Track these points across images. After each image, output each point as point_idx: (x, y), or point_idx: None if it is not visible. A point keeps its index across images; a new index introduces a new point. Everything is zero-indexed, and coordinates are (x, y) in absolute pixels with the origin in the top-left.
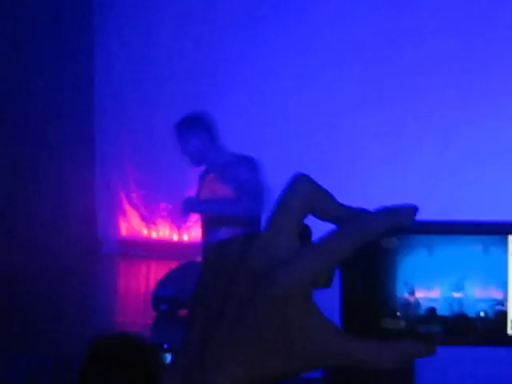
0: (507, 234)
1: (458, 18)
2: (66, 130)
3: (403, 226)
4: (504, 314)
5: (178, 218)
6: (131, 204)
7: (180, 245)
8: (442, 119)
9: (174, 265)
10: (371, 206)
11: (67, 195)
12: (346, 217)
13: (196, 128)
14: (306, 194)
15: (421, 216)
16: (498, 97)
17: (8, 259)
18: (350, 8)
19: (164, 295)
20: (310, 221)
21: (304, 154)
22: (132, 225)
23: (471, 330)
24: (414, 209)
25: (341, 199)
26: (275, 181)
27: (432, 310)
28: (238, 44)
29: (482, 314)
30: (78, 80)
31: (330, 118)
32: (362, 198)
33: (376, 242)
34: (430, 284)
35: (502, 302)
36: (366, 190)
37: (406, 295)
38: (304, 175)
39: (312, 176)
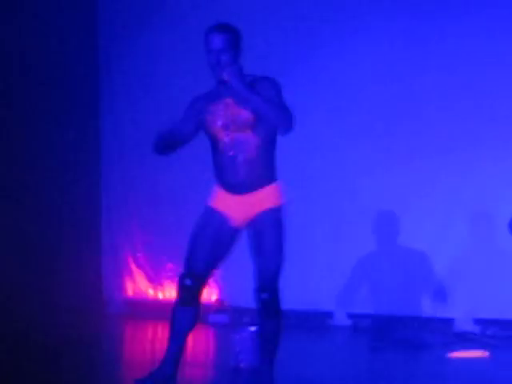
0: None
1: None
2: (72, 192)
3: None
4: None
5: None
6: (137, 265)
7: None
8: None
9: None
10: None
11: (72, 255)
12: None
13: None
14: None
15: None
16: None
17: (12, 324)
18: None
19: None
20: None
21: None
22: (138, 286)
23: None
24: None
25: None
26: None
27: None
28: None
29: None
30: (85, 143)
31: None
32: None
33: None
34: None
35: None
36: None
37: None
38: None
39: None
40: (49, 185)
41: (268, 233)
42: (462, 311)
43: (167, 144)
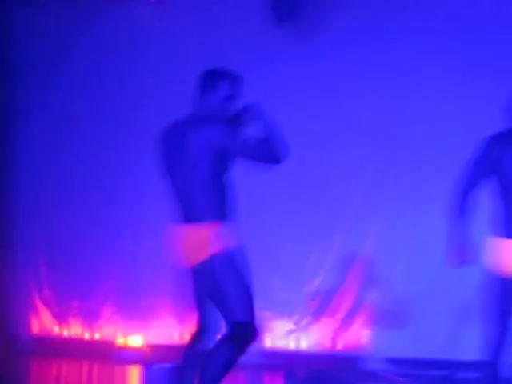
0: None
1: None
2: None
3: None
4: None
5: None
6: (43, 302)
7: (91, 343)
8: None
9: (85, 364)
10: None
11: None
12: None
13: None
14: None
15: None
16: None
17: None
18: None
19: None
20: None
21: None
22: (44, 322)
23: None
24: None
25: None
26: None
27: None
28: None
29: None
30: None
31: None
32: None
33: None
34: None
35: None
36: None
37: None
38: None
39: None
40: None
41: None
42: (373, 349)
43: None
